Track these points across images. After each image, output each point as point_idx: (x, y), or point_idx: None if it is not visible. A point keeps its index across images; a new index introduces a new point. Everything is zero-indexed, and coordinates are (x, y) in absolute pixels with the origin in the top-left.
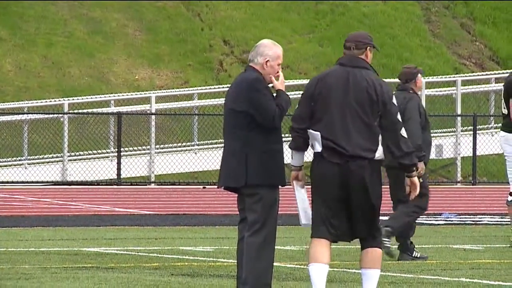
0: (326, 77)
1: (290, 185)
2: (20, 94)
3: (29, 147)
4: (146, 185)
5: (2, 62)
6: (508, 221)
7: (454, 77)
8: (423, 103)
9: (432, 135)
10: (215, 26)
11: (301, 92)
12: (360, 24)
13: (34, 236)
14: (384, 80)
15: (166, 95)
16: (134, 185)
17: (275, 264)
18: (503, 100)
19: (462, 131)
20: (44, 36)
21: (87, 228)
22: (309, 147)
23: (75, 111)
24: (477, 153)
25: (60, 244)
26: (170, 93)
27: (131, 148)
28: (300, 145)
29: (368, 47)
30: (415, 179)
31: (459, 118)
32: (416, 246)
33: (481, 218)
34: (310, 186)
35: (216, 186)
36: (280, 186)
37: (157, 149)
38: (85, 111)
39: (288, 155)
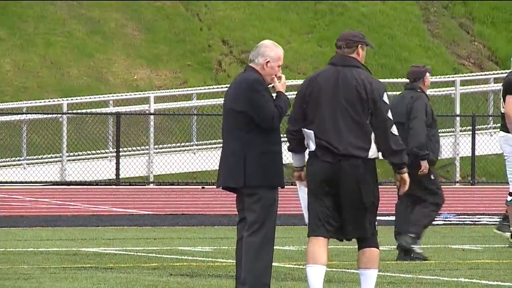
0: (317, 77)
1: (290, 186)
2: (19, 94)
3: (28, 147)
4: (145, 185)
5: (1, 62)
6: (495, 221)
7: (453, 77)
8: None
9: None
10: (214, 26)
11: None
12: (359, 24)
13: (32, 236)
14: (384, 80)
15: (165, 95)
16: (133, 185)
17: (274, 264)
18: (502, 100)
19: (461, 131)
20: (43, 36)
21: (86, 228)
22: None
23: (74, 111)
24: (476, 153)
25: (59, 244)
26: (169, 93)
27: (129, 148)
28: (294, 147)
29: (359, 45)
30: (406, 175)
31: (458, 118)
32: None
33: (480, 218)
34: None
35: (215, 186)
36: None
37: (156, 149)
38: (84, 111)
39: (288, 156)
